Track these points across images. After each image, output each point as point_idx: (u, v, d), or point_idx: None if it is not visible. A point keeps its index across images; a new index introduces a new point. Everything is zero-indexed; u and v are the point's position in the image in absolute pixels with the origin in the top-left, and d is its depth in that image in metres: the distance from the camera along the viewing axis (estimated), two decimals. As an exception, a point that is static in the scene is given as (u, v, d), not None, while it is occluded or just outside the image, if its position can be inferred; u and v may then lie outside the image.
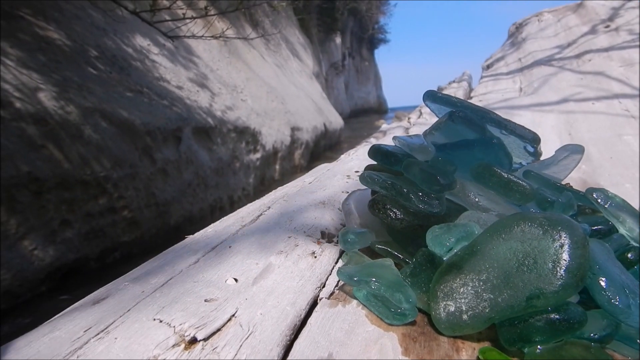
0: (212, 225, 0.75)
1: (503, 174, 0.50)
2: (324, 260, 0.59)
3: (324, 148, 8.19)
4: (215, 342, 0.40)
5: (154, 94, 3.36)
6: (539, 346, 0.38)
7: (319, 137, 7.77)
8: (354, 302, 0.48)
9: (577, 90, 1.84)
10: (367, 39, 22.27)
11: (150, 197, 2.89)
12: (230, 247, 0.61)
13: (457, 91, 2.66)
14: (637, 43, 2.08)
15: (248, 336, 0.41)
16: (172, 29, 3.72)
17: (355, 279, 0.46)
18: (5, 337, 0.44)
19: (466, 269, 0.43)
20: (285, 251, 0.60)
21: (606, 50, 2.16)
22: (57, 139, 2.29)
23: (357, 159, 1.21)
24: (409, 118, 2.26)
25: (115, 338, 0.40)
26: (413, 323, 0.45)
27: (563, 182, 0.60)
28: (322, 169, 1.20)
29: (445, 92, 0.65)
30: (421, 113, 2.21)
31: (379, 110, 23.42)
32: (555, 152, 0.63)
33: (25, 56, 2.45)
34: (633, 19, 2.35)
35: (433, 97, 0.61)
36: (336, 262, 0.59)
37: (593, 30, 2.49)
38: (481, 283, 0.42)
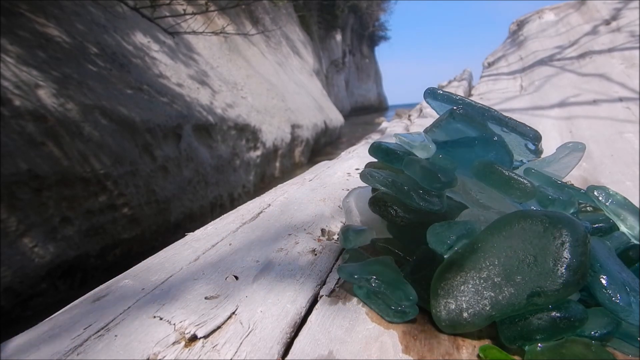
0: (212, 222, 0.75)
1: (504, 171, 0.50)
2: (324, 258, 0.58)
3: (324, 145, 8.19)
4: (216, 339, 0.40)
5: (154, 91, 3.36)
6: (539, 344, 0.38)
7: (319, 134, 7.77)
8: (355, 299, 0.48)
9: (579, 89, 1.84)
10: (368, 36, 22.25)
11: (151, 194, 2.89)
12: (230, 244, 0.61)
13: (457, 90, 2.65)
14: (638, 43, 2.08)
15: (248, 334, 0.41)
16: (172, 25, 3.71)
17: (355, 276, 0.46)
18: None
19: (467, 266, 0.43)
20: (286, 249, 0.60)
21: (608, 49, 2.16)
22: (57, 136, 2.29)
23: (357, 156, 1.21)
24: (409, 115, 2.26)
25: (115, 335, 0.40)
26: (413, 321, 0.45)
27: (564, 180, 0.60)
28: (322, 166, 1.20)
29: (445, 89, 0.65)
30: (422, 110, 2.21)
31: (380, 107, 23.42)
32: (557, 149, 0.63)
33: (25, 53, 2.44)
34: (635, 18, 2.35)
35: (434, 94, 0.61)
36: (336, 260, 0.59)
37: (595, 29, 2.48)
38: (482, 281, 0.42)
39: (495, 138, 0.52)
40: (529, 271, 0.40)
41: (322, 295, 0.49)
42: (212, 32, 3.82)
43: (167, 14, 4.05)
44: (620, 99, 1.61)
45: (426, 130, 0.57)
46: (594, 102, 1.64)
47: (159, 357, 0.37)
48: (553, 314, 0.38)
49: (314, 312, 0.46)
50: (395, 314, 0.44)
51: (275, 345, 0.40)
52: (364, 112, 19.66)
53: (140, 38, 3.86)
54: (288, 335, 0.42)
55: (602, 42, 2.25)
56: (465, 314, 0.41)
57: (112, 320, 0.43)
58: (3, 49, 2.31)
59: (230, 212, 0.80)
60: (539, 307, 0.39)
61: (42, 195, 2.14)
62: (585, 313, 0.38)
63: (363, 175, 0.57)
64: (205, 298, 0.46)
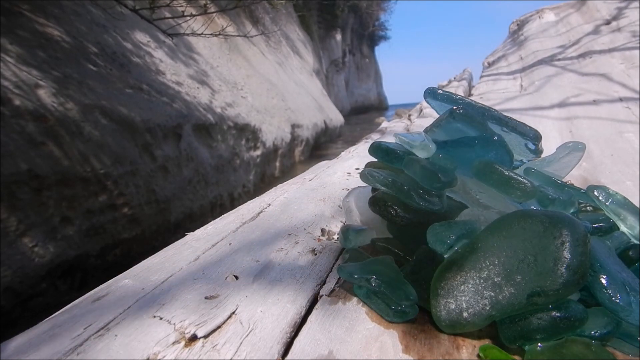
0: (212, 222, 0.75)
1: (504, 171, 0.50)
2: (324, 258, 0.58)
3: (324, 144, 8.20)
4: (216, 339, 0.40)
5: (154, 90, 3.36)
6: (539, 344, 0.38)
7: (319, 134, 7.77)
8: (355, 299, 0.48)
9: (579, 88, 1.84)
10: (368, 35, 22.25)
11: (151, 194, 2.89)
12: (230, 244, 0.61)
13: (457, 90, 2.65)
14: (638, 42, 2.08)
15: (248, 333, 0.41)
16: (172, 26, 3.71)
17: (355, 276, 0.46)
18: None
19: (467, 266, 0.43)
20: (286, 248, 0.60)
21: (608, 48, 2.16)
22: (57, 136, 2.29)
23: (357, 156, 1.21)
24: (409, 115, 2.26)
25: (116, 335, 0.40)
26: (413, 321, 0.45)
27: (564, 180, 0.60)
28: (322, 166, 1.20)
29: (445, 89, 0.65)
30: (422, 110, 2.21)
31: (380, 107, 23.42)
32: (557, 149, 0.63)
33: (25, 53, 2.44)
34: (635, 18, 2.35)
35: (434, 94, 0.61)
36: (336, 260, 0.59)
37: (595, 29, 2.48)
38: (482, 281, 0.42)
39: (495, 138, 0.52)
40: (529, 271, 0.40)
41: (322, 295, 0.49)
42: (212, 34, 3.82)
43: (167, 14, 4.05)
44: (621, 99, 1.61)
45: (426, 130, 0.57)
46: (594, 102, 1.64)
47: (159, 357, 0.37)
48: (553, 313, 0.38)
49: (314, 311, 0.46)
50: (395, 314, 0.44)
51: (275, 345, 0.40)
52: (364, 111, 19.66)
53: (140, 38, 3.86)
54: (288, 335, 0.42)
55: (603, 42, 2.25)
56: (465, 314, 0.41)
57: (112, 320, 0.43)
58: (3, 49, 2.31)
59: (231, 211, 0.80)
60: (539, 306, 0.39)
61: (42, 195, 2.14)
62: (585, 313, 0.38)
63: (363, 175, 0.57)
64: (205, 298, 0.46)
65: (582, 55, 2.20)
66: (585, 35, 2.46)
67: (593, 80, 1.88)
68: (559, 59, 2.33)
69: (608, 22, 2.46)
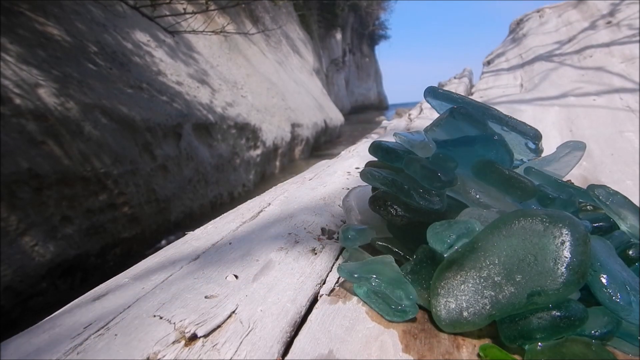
0: (212, 221, 0.75)
1: (504, 170, 0.50)
2: (324, 257, 0.58)
3: (325, 144, 8.20)
4: (216, 338, 0.40)
5: (154, 90, 3.36)
6: (539, 343, 0.38)
7: (319, 133, 7.77)
8: (355, 299, 0.48)
9: (578, 86, 1.84)
10: (368, 35, 22.25)
11: (151, 193, 2.89)
12: (230, 243, 0.61)
13: (457, 87, 2.65)
14: (638, 38, 2.07)
15: (248, 333, 0.41)
16: (172, 24, 3.71)
17: (355, 275, 0.46)
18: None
19: (467, 265, 0.43)
20: (286, 248, 0.60)
21: (607, 45, 2.15)
22: (57, 135, 2.29)
23: (357, 155, 1.21)
24: (409, 114, 2.26)
25: (115, 334, 0.40)
26: (413, 320, 0.45)
27: (564, 179, 0.60)
28: (322, 165, 1.20)
29: (446, 88, 0.65)
30: (422, 109, 2.21)
31: (380, 106, 23.41)
32: (557, 148, 0.63)
33: (25, 52, 2.44)
34: (633, 14, 2.34)
35: (434, 93, 0.61)
36: (336, 259, 0.59)
37: (594, 26, 2.48)
38: (482, 280, 0.42)
39: (496, 137, 0.52)
40: (529, 270, 0.40)
41: (322, 295, 0.49)
42: (212, 32, 3.83)
43: (167, 13, 4.05)
44: (620, 97, 1.61)
45: (426, 129, 0.57)
46: (594, 100, 1.64)
47: (159, 357, 0.37)
48: (553, 313, 0.38)
49: (314, 311, 0.46)
50: (395, 313, 0.44)
51: (275, 345, 0.40)
52: (364, 111, 19.65)
53: (140, 37, 3.86)
54: (288, 334, 0.42)
55: (601, 39, 2.25)
56: (465, 313, 0.41)
57: (112, 319, 0.43)
58: (3, 48, 2.31)
59: (231, 211, 0.80)
60: (539, 306, 0.39)
61: (43, 194, 2.14)
62: (586, 312, 0.38)
63: (363, 174, 0.57)
64: (205, 297, 0.46)
65: (582, 54, 2.20)
66: (584, 31, 2.46)
67: (593, 79, 1.88)
68: (557, 55, 2.33)
69: (607, 21, 2.45)
